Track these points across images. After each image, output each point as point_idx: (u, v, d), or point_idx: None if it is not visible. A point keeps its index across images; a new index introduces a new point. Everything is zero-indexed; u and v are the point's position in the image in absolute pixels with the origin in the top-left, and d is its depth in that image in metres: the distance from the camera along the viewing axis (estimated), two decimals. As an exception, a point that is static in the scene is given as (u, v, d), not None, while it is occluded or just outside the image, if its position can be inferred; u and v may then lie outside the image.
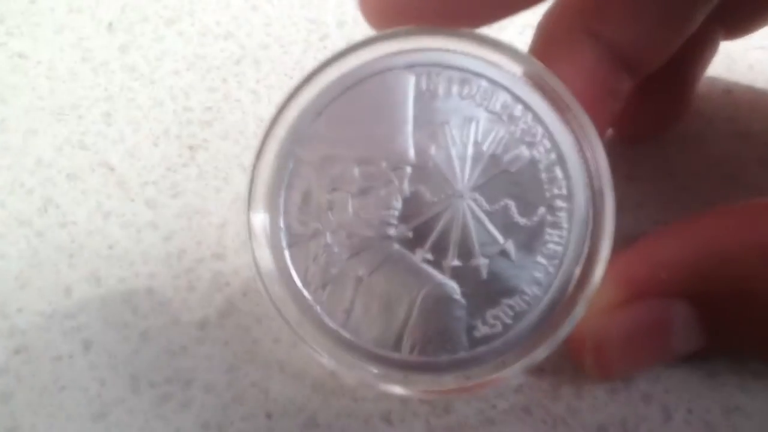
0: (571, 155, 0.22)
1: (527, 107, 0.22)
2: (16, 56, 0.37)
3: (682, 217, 0.24)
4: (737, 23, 0.30)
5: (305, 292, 0.22)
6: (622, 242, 0.22)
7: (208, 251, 0.30)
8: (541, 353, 0.21)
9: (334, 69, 0.22)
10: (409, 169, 0.22)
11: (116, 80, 0.36)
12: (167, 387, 0.27)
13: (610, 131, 0.30)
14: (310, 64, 0.22)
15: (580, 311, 0.21)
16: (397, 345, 0.22)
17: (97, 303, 0.29)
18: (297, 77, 0.22)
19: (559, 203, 0.22)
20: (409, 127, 0.22)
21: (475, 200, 0.22)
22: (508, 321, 0.22)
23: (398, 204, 0.22)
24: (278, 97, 0.35)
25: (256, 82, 0.36)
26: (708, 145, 0.32)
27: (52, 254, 0.30)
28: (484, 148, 0.22)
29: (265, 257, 0.22)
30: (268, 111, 0.34)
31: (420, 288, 0.22)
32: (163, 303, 0.29)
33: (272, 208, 0.22)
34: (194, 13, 0.39)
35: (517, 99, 0.22)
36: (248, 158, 0.33)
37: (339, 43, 0.36)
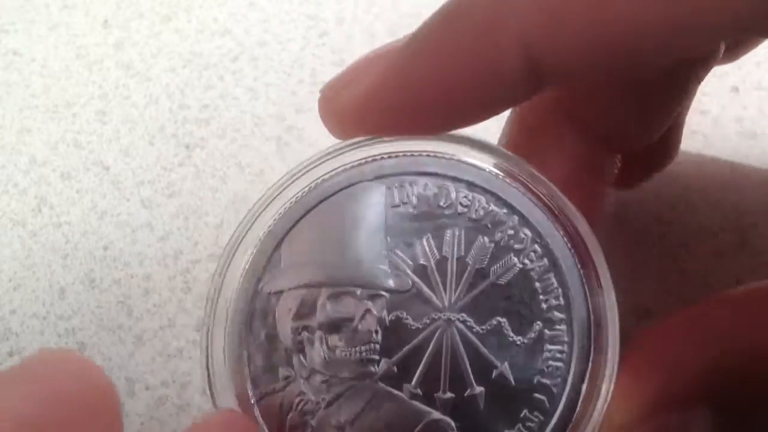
0: (565, 258, 0.20)
1: (512, 209, 0.20)
2: (10, 53, 0.37)
3: (683, 306, 0.22)
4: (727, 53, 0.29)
5: None
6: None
7: (204, 252, 0.30)
8: None
9: (295, 186, 0.20)
10: (386, 295, 0.20)
11: (111, 78, 0.36)
12: (163, 390, 0.27)
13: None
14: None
15: None
16: None
17: (91, 305, 0.29)
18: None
19: (557, 314, 0.20)
20: (383, 246, 0.20)
21: (463, 322, 0.20)
22: None
23: (378, 336, 0.20)
24: (276, 95, 0.35)
25: (254, 80, 0.35)
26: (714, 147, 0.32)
27: (46, 255, 0.30)
28: (469, 260, 0.20)
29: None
30: (265, 109, 0.34)
31: (412, 427, 0.19)
32: (159, 305, 0.29)
33: (234, 356, 0.19)
34: (191, 9, 0.38)
35: (500, 201, 0.20)
36: (246, 157, 0.33)
37: (338, 40, 0.36)
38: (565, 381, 0.20)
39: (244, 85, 0.35)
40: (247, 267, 0.20)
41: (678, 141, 0.28)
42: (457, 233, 0.20)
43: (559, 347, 0.20)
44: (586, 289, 0.20)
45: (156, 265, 0.30)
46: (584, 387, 0.20)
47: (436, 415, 0.19)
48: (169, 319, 0.28)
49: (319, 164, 0.20)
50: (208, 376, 0.19)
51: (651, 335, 0.21)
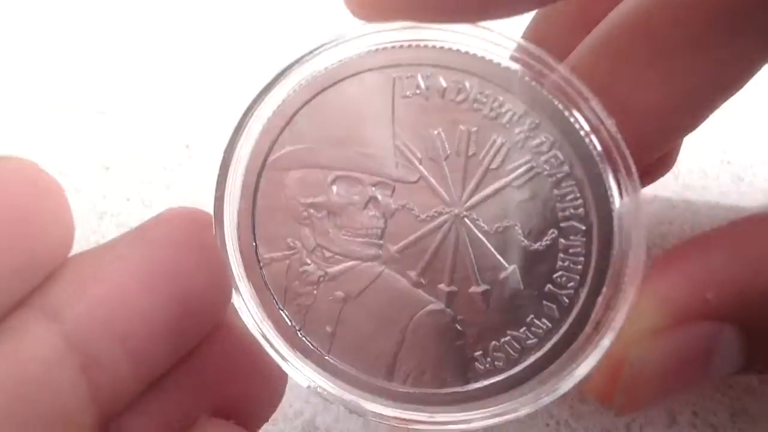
0: (588, 163, 0.19)
1: (531, 109, 0.19)
2: (10, 53, 0.37)
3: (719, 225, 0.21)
4: None
5: (285, 313, 0.19)
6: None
7: (204, 251, 0.30)
8: (554, 393, 0.18)
9: (305, 68, 0.19)
10: (393, 184, 0.19)
11: (112, 78, 0.36)
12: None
13: None
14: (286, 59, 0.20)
15: (605, 344, 0.18)
16: (389, 373, 0.19)
17: (91, 304, 0.29)
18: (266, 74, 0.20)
19: (575, 224, 0.19)
20: (391, 135, 0.19)
21: (472, 220, 0.19)
22: (514, 354, 0.19)
23: (381, 222, 0.19)
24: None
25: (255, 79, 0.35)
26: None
27: (46, 255, 0.30)
28: (482, 159, 0.19)
29: (242, 277, 0.19)
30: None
31: (412, 312, 0.19)
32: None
33: (245, 226, 0.19)
34: (193, 9, 0.38)
35: (519, 99, 0.19)
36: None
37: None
38: (577, 293, 0.19)
39: (244, 85, 0.35)
40: (254, 144, 0.20)
41: (676, 154, 0.28)
42: (470, 129, 0.19)
43: (573, 258, 0.19)
44: (609, 195, 0.18)
45: (156, 264, 0.30)
46: (600, 300, 0.18)
47: (438, 305, 0.19)
48: (169, 318, 0.28)
49: (330, 49, 0.20)
50: (222, 246, 0.19)
51: (687, 247, 0.20)
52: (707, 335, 0.20)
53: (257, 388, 0.21)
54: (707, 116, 0.23)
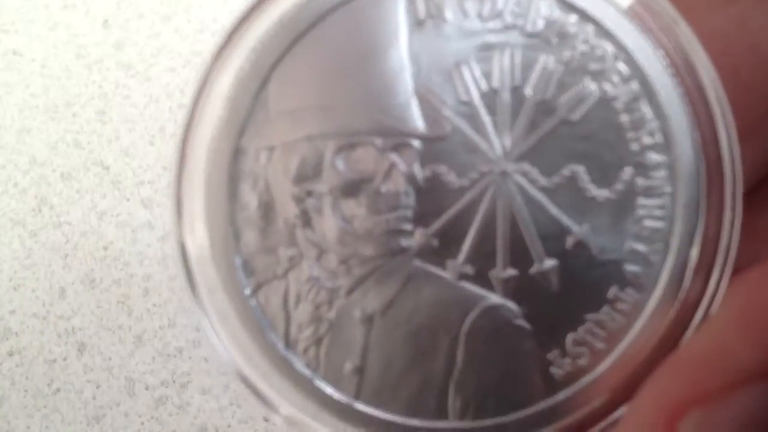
0: (662, 77, 0.14)
1: (584, 15, 0.14)
2: (10, 53, 0.37)
3: None
4: None
5: (291, 356, 0.14)
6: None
7: (204, 251, 0.30)
8: None
9: (281, 1, 0.14)
10: (417, 144, 0.15)
11: (111, 77, 0.36)
12: (163, 390, 0.27)
13: None
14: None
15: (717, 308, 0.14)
16: (440, 409, 0.14)
17: (91, 305, 0.29)
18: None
19: (653, 156, 0.14)
20: (408, 78, 0.15)
21: (524, 174, 0.15)
22: (600, 345, 0.14)
23: (409, 199, 0.14)
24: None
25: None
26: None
27: (46, 255, 0.30)
28: (528, 91, 0.15)
29: (221, 312, 0.14)
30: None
31: (461, 316, 0.14)
32: (159, 305, 0.29)
33: (218, 236, 0.14)
34: (190, 9, 0.38)
35: (566, 3, 0.15)
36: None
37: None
38: (667, 245, 0.14)
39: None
40: (222, 116, 0.15)
41: None
42: (509, 54, 0.15)
43: (657, 201, 0.15)
44: (693, 118, 0.14)
45: (156, 265, 0.30)
46: (695, 251, 0.14)
47: (494, 299, 0.14)
48: (169, 318, 0.28)
49: None
50: (185, 264, 0.14)
51: None
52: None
53: None
54: None
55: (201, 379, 0.27)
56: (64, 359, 0.27)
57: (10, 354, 0.28)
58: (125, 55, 0.37)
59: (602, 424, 0.14)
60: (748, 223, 0.14)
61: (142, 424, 0.26)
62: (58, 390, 0.27)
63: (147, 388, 0.27)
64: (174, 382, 0.27)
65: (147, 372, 0.27)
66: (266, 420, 0.26)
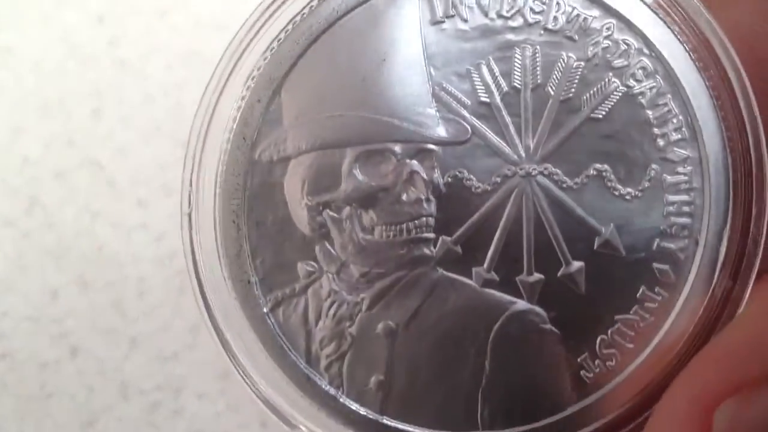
0: (687, 70, 0.14)
1: (605, 8, 0.14)
2: (2, 50, 0.37)
3: None
4: None
5: (313, 374, 0.14)
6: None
7: (200, 253, 0.30)
8: None
9: (292, 5, 0.15)
10: (437, 149, 0.14)
11: (106, 75, 0.35)
12: (158, 394, 0.27)
13: None
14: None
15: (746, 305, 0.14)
16: (469, 418, 0.14)
17: (84, 307, 0.28)
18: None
19: (680, 152, 0.14)
20: (425, 80, 0.14)
21: (549, 175, 0.15)
22: (629, 346, 0.14)
23: (431, 207, 0.14)
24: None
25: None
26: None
27: (39, 256, 0.30)
28: (550, 89, 0.15)
29: (238, 331, 0.14)
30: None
31: (488, 324, 0.14)
32: (154, 307, 0.28)
33: (232, 252, 0.14)
34: (187, 4, 0.38)
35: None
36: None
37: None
38: (696, 242, 0.14)
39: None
40: (234, 128, 0.14)
41: None
42: (530, 52, 0.15)
43: (685, 197, 0.14)
44: (719, 111, 0.14)
45: (151, 266, 0.30)
46: (723, 246, 0.14)
47: (521, 304, 0.15)
48: (165, 321, 0.28)
49: None
50: (198, 282, 0.14)
51: None
52: None
53: None
54: None
55: (196, 383, 0.27)
56: (57, 363, 0.27)
57: (2, 357, 0.27)
58: (120, 53, 0.37)
59: (633, 425, 0.14)
60: None
61: (136, 429, 0.26)
62: (51, 394, 0.27)
63: (141, 393, 0.27)
64: (169, 386, 0.27)
65: (141, 376, 0.27)
66: (263, 426, 0.26)
